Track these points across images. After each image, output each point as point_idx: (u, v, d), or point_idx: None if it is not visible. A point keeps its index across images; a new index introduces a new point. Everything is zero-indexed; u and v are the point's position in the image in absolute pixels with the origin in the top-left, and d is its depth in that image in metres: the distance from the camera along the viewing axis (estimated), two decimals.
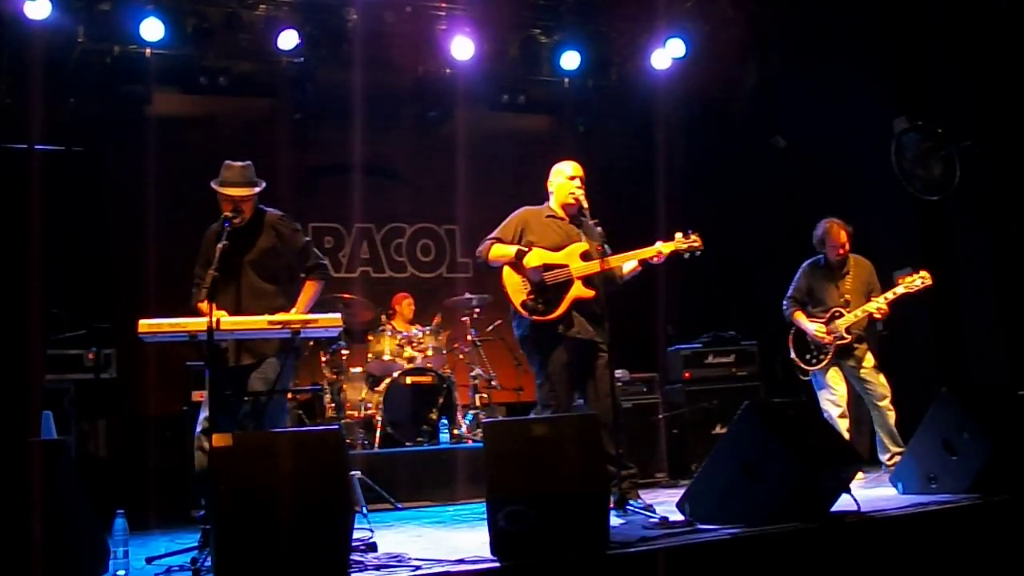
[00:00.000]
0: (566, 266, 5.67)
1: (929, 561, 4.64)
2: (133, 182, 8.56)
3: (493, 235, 5.86)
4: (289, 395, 7.45)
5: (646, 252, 5.72)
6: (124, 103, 8.90)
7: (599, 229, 5.60)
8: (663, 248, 5.69)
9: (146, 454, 7.57)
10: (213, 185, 5.34)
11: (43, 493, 3.70)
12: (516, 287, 5.71)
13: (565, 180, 5.83)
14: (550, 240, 5.76)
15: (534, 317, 5.64)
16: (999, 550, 4.78)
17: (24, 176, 7.54)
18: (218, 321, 4.70)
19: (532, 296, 5.66)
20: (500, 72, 10.07)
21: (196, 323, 4.76)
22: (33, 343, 6.96)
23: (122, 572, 4.22)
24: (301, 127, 9.69)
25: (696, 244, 5.72)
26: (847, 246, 7.10)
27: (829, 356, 7.01)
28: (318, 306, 5.53)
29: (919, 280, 6.84)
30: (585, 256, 5.66)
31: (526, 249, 5.71)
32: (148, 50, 8.77)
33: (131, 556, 4.33)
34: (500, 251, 5.78)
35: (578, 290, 5.62)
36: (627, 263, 5.79)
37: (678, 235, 5.74)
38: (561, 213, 5.86)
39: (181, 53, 8.99)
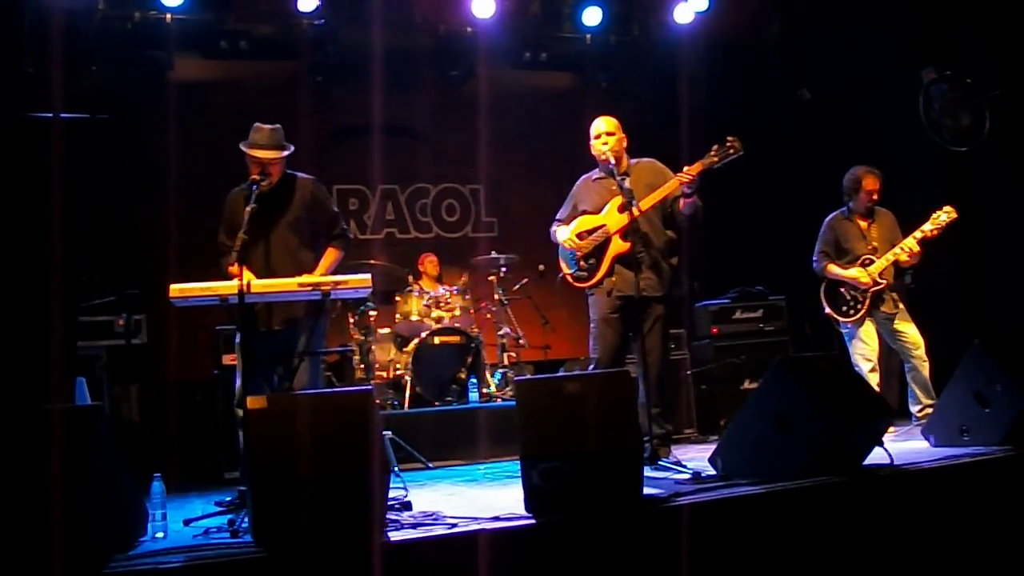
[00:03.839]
0: (603, 225, 5.78)
1: (962, 513, 4.63)
2: (157, 148, 8.55)
3: (557, 216, 6.10)
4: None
5: (670, 185, 5.66)
6: (146, 69, 8.88)
7: (626, 183, 5.56)
8: (689, 171, 5.54)
9: (178, 418, 7.64)
10: (242, 147, 5.33)
11: (81, 458, 3.72)
12: (567, 263, 5.95)
13: (592, 140, 5.88)
14: (594, 203, 5.91)
15: (579, 284, 5.85)
16: None
17: (49, 145, 7.55)
18: (248, 284, 4.71)
19: (582, 265, 5.85)
20: (522, 29, 10.00)
21: (226, 286, 4.77)
22: (54, 310, 6.97)
23: (160, 534, 4.28)
24: (323, 89, 9.67)
25: (732, 150, 5.53)
26: (878, 195, 7.03)
27: (866, 305, 6.91)
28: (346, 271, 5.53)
29: (944, 215, 6.76)
30: (621, 209, 5.65)
31: (563, 226, 5.93)
32: (168, 15, 8.75)
33: (168, 519, 4.38)
34: (557, 235, 6.01)
35: (616, 246, 5.74)
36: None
37: (712, 149, 5.58)
38: (603, 173, 5.91)
39: (201, 18, 8.98)
